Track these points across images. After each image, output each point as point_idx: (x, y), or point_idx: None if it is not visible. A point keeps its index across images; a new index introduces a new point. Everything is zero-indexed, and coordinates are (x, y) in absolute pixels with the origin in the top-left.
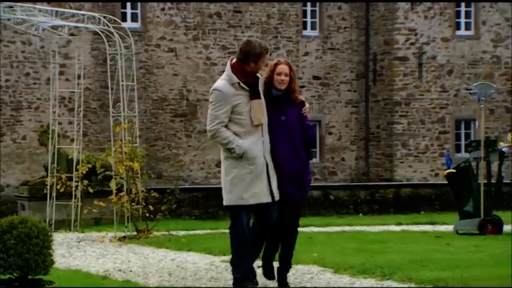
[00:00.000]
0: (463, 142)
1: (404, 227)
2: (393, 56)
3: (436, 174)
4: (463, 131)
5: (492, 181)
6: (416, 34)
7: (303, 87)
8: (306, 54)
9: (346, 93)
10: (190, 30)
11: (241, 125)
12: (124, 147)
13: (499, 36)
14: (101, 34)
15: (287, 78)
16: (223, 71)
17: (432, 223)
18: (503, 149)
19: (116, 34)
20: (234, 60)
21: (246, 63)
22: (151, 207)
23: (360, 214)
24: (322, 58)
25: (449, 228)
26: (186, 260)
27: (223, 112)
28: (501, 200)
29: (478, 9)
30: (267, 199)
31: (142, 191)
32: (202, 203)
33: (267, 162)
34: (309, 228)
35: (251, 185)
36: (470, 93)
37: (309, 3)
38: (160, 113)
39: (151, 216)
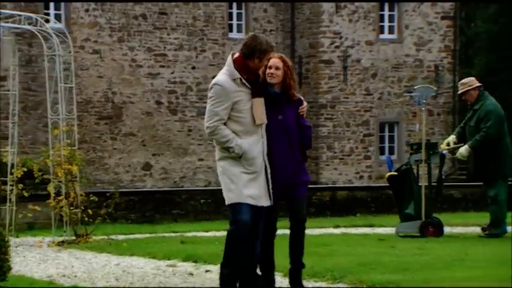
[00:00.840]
0: (387, 144)
1: (343, 230)
2: (318, 59)
3: (361, 177)
4: (387, 134)
5: (433, 183)
6: (341, 37)
7: None
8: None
9: None
10: (115, 32)
11: (241, 124)
12: (63, 150)
13: (421, 40)
14: (38, 35)
15: (278, 72)
16: (149, 73)
17: (370, 225)
18: (444, 152)
19: (54, 35)
20: (237, 55)
21: (251, 58)
22: (90, 211)
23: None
24: None
25: (388, 230)
26: (131, 265)
27: (223, 108)
28: (438, 202)
29: (401, 13)
30: (265, 202)
31: (81, 195)
32: (139, 206)
33: (265, 164)
34: None
35: (249, 185)
36: (411, 96)
37: (234, 6)
38: (85, 116)
39: (90, 220)
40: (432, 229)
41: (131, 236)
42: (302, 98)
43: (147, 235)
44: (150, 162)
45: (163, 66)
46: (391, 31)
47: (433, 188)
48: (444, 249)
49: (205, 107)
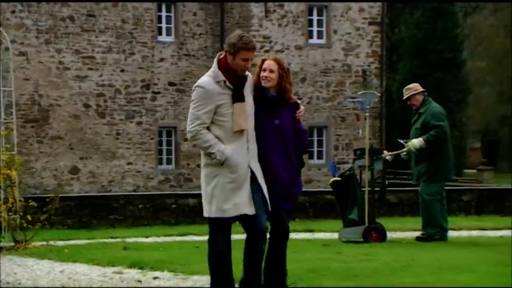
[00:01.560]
0: (315, 149)
1: None
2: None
3: None
4: (315, 138)
5: (376, 189)
6: (270, 42)
7: (158, 93)
8: (162, 60)
9: None
10: (42, 34)
11: (224, 129)
12: (2, 155)
13: (349, 45)
14: None
15: (272, 75)
16: (77, 76)
17: (310, 230)
18: (387, 158)
19: None
20: (222, 55)
21: (227, 55)
22: (29, 217)
23: (237, 222)
24: (177, 64)
25: (329, 235)
26: (76, 272)
27: (205, 112)
28: (376, 207)
29: (329, 18)
30: (247, 210)
31: (20, 200)
32: (75, 211)
33: (252, 171)
34: (188, 237)
35: (232, 195)
36: (353, 101)
37: (163, 9)
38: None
39: (29, 226)
40: (375, 234)
41: (70, 242)
42: (299, 101)
43: (87, 241)
44: (77, 166)
45: (92, 69)
46: (319, 36)
47: (376, 193)
48: (390, 255)
49: (134, 110)
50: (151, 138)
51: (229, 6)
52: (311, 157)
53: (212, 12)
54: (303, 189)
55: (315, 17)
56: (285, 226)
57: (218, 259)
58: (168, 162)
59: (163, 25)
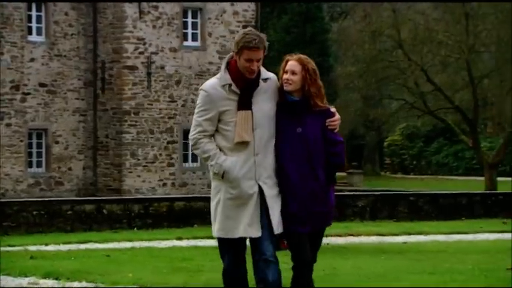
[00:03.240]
0: (190, 152)
1: (192, 242)
2: (122, 64)
3: (165, 184)
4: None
5: None
6: (145, 43)
7: (28, 94)
8: (32, 60)
9: (74, 101)
10: None
11: (227, 139)
12: None
13: (224, 48)
14: None
15: (294, 78)
16: None
17: (212, 237)
18: None
19: None
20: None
21: (234, 55)
22: None
23: (135, 228)
24: (48, 65)
25: None
26: None
27: (206, 119)
28: None
29: (204, 21)
30: (250, 233)
31: None
32: None
33: (260, 188)
34: (90, 245)
35: (233, 213)
36: None
37: (34, 8)
38: None
39: None
40: (287, 242)
41: None
42: (333, 108)
43: None
44: None
45: None
46: (194, 38)
47: None
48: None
49: (3, 112)
50: (21, 141)
51: (102, 6)
52: (186, 160)
53: (84, 12)
54: (203, 195)
55: (189, 20)
56: (303, 255)
57: (226, 279)
58: (38, 165)
59: (34, 25)
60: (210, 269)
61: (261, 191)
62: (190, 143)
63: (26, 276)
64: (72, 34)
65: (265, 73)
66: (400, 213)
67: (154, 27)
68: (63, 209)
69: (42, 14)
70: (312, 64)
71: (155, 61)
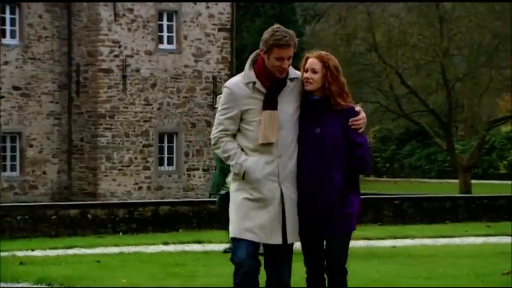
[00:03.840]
0: (166, 155)
1: (179, 247)
2: (97, 67)
3: (140, 188)
4: (166, 144)
5: None
6: (120, 46)
7: (1, 97)
8: (6, 63)
9: (48, 104)
10: None
11: (248, 139)
12: None
13: (199, 51)
14: None
15: (315, 76)
16: None
17: (198, 242)
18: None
19: None
20: (260, 55)
21: (262, 54)
22: None
23: (120, 233)
24: (22, 68)
25: (221, 247)
26: None
27: (228, 117)
28: None
29: (179, 24)
30: (275, 239)
31: None
32: None
33: (282, 192)
34: (77, 250)
35: (252, 214)
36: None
37: (8, 11)
38: None
39: None
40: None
41: None
42: (358, 107)
43: None
44: None
45: None
46: (170, 41)
47: None
48: None
49: None
50: None
51: (76, 9)
52: (161, 163)
53: (59, 14)
54: (188, 200)
55: (165, 22)
56: (336, 260)
57: (239, 275)
58: (12, 169)
59: (8, 27)
60: (205, 275)
61: (282, 195)
62: (212, 141)
63: (18, 282)
64: (46, 37)
65: (293, 72)
66: (384, 217)
67: (129, 30)
68: (47, 214)
69: (16, 16)
70: (333, 60)
71: (130, 64)
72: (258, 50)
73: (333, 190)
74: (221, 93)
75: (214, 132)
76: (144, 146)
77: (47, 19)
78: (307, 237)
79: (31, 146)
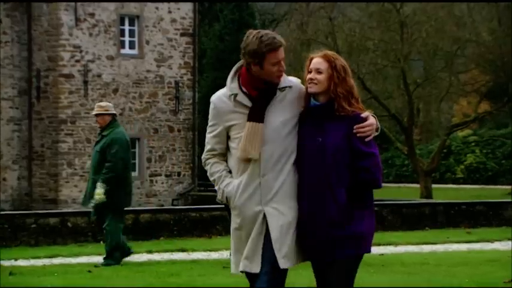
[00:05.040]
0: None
1: (164, 256)
2: (58, 72)
3: None
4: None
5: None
6: (81, 51)
7: None
8: None
9: (8, 110)
10: None
11: (233, 158)
12: None
13: (162, 56)
14: None
15: (320, 77)
16: None
17: (182, 250)
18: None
19: None
20: (242, 68)
21: (248, 66)
22: None
23: (101, 242)
24: None
25: (205, 255)
26: None
27: (214, 135)
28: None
29: (141, 29)
30: (253, 268)
31: None
32: None
33: (265, 215)
34: (63, 259)
35: (239, 245)
36: None
37: None
38: None
39: None
40: None
41: None
42: (366, 113)
43: None
44: None
45: None
46: (132, 46)
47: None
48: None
49: None
50: None
51: (37, 14)
52: None
53: (19, 19)
54: (168, 207)
55: (127, 27)
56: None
57: None
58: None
59: None
60: (203, 283)
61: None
62: (203, 163)
63: None
64: (6, 42)
65: (286, 81)
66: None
67: (90, 34)
68: (27, 223)
69: None
70: (340, 60)
71: (92, 69)
72: (241, 61)
73: (335, 208)
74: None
75: (204, 153)
76: None
77: (6, 24)
78: (313, 263)
79: None
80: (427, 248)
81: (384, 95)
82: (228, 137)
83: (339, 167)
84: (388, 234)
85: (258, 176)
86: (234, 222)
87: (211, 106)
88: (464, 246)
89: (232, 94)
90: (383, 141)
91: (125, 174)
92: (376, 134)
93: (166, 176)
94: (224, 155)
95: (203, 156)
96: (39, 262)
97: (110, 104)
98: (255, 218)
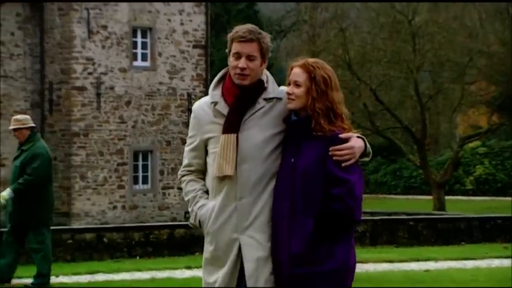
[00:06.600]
0: (140, 174)
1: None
2: (71, 85)
3: (115, 207)
4: (140, 163)
5: None
6: (94, 64)
7: None
8: None
9: None
10: None
11: (209, 176)
12: None
13: (174, 68)
14: None
15: (298, 91)
16: None
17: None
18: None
19: None
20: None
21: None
22: None
23: (137, 257)
24: None
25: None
26: None
27: (191, 149)
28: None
29: (154, 41)
30: None
31: None
32: None
33: (239, 243)
34: (105, 276)
35: (212, 273)
36: None
37: None
38: None
39: None
40: None
41: None
42: (345, 134)
43: None
44: None
45: None
46: (144, 58)
47: None
48: None
49: None
50: None
51: (49, 26)
52: (136, 182)
53: (31, 32)
54: (159, 223)
55: (139, 39)
56: None
57: None
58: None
59: None
60: None
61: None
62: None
63: None
64: (18, 54)
65: (275, 91)
66: (399, 238)
67: (103, 47)
68: (63, 238)
69: None
70: (322, 70)
71: (104, 81)
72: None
73: (298, 239)
74: None
75: (181, 168)
76: (118, 164)
77: (19, 37)
78: None
79: (3, 165)
80: (469, 264)
81: (394, 105)
82: (206, 152)
83: (309, 193)
84: (425, 249)
85: (234, 199)
86: (206, 250)
87: (192, 115)
88: (506, 262)
89: (212, 102)
90: (391, 153)
91: (46, 189)
92: (367, 159)
93: (179, 188)
94: (202, 172)
95: (179, 172)
96: (82, 279)
97: (28, 117)
98: (230, 247)
